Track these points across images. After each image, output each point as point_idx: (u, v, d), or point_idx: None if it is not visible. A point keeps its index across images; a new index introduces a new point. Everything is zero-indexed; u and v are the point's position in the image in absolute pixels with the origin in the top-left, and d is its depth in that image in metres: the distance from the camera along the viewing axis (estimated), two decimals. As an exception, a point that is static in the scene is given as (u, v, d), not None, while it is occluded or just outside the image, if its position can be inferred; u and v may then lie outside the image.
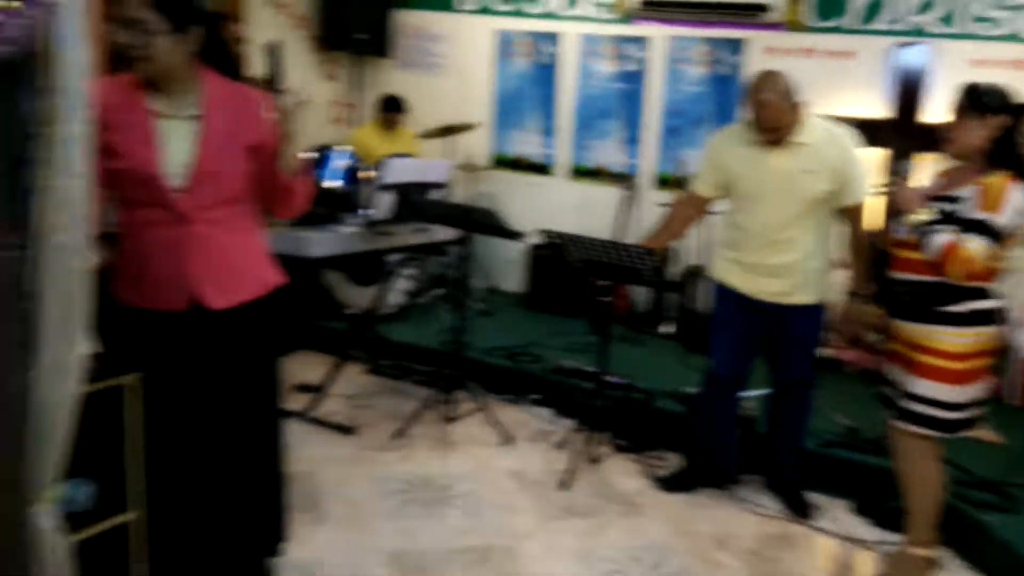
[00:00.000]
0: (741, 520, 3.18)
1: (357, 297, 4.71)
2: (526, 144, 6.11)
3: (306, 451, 3.44)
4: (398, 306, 5.03)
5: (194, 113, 2.09)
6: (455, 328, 3.89)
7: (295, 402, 3.89)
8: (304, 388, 4.05)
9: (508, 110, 6.14)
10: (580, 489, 3.36)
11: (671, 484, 3.40)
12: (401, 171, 3.65)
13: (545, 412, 4.14)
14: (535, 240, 5.32)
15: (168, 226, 2.07)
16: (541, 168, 6.08)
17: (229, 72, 2.20)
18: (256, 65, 3.41)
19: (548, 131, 6.01)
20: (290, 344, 4.81)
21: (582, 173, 5.94)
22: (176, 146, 2.06)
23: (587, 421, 3.65)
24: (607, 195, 5.66)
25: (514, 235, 3.62)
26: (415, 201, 3.58)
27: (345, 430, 3.70)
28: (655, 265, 3.35)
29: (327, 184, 4.40)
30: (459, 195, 5.92)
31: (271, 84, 2.15)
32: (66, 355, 1.52)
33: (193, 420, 2.16)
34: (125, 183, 2.04)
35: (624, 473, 3.53)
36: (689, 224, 3.38)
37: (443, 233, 4.13)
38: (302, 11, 5.99)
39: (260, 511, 2.37)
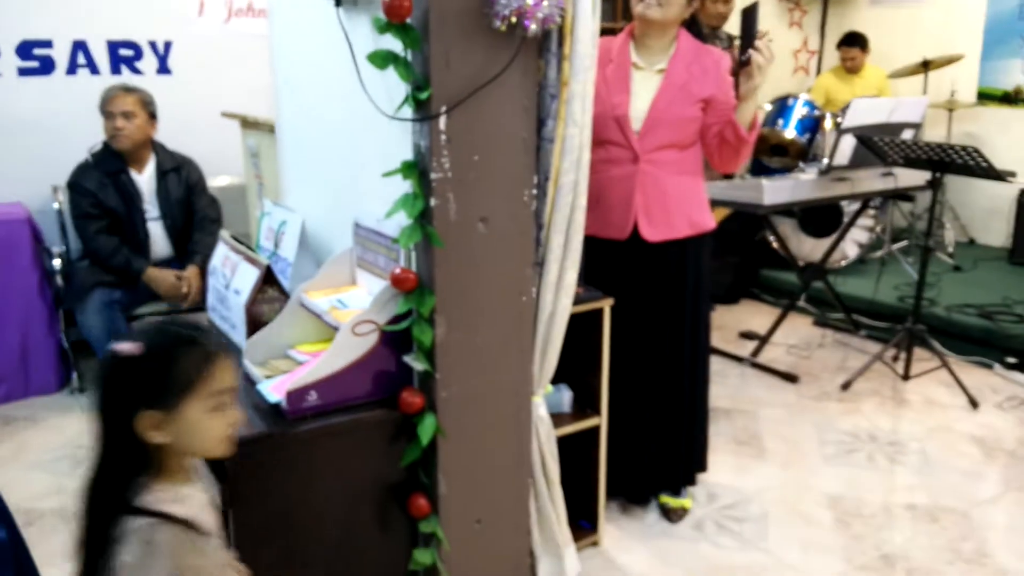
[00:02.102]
0: None
1: (812, 248, 4.64)
2: (1020, 74, 5.29)
3: (749, 393, 3.58)
4: (855, 258, 4.83)
5: (663, 67, 2.37)
6: (917, 281, 3.63)
7: (741, 348, 4.05)
8: (750, 335, 4.19)
9: (1000, 37, 5.37)
10: (1062, 465, 2.97)
11: None
12: (863, 112, 3.50)
13: (1023, 378, 3.68)
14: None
15: (624, 163, 2.38)
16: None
17: (695, 31, 2.44)
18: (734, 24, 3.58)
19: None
20: (738, 292, 4.97)
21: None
22: (642, 95, 2.36)
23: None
24: None
25: (998, 175, 3.23)
26: (877, 144, 3.41)
27: (789, 378, 3.74)
28: None
29: (787, 134, 4.42)
30: (939, 136, 5.41)
31: (745, 43, 2.30)
32: (565, 275, 1.88)
33: (630, 340, 2.46)
34: (599, 123, 2.27)
35: None
36: None
37: (910, 178, 3.85)
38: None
39: (682, 436, 2.59)
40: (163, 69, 3.95)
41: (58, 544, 2.42)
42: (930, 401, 3.52)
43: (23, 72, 3.65)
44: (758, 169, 4.78)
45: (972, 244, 5.49)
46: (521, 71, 1.68)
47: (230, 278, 2.08)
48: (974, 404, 3.45)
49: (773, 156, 4.59)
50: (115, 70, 3.84)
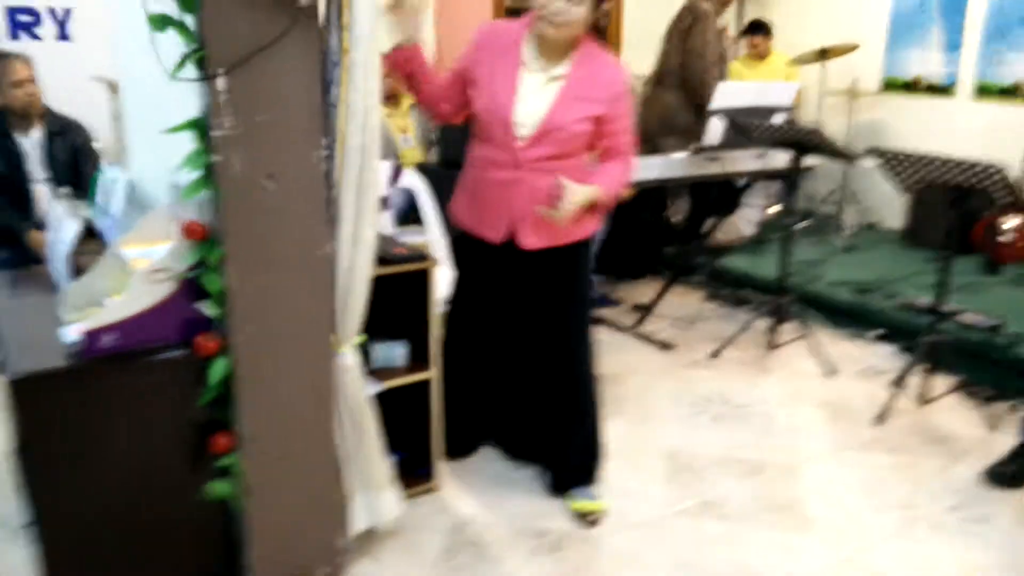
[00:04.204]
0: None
1: (705, 227, 4.81)
2: (923, 63, 5.48)
3: (623, 360, 3.75)
4: (749, 236, 5.01)
5: (560, 74, 2.27)
6: (784, 260, 3.80)
7: (627, 320, 4.22)
8: (639, 308, 4.35)
9: (904, 28, 5.55)
10: (897, 426, 3.16)
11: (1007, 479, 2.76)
12: (731, 95, 3.65)
13: (886, 350, 3.87)
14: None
15: (504, 167, 2.32)
16: (940, 89, 5.42)
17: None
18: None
19: (952, 46, 5.31)
20: (643, 268, 5.13)
21: (992, 92, 5.16)
22: (530, 100, 2.27)
23: (931, 361, 3.32)
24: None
25: (845, 156, 3.41)
26: (743, 125, 3.57)
27: (664, 346, 3.91)
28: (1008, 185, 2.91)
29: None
30: (840, 123, 5.59)
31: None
32: (360, 231, 2.01)
33: (507, 341, 2.56)
34: (481, 120, 2.33)
35: (959, 419, 3.21)
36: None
37: (782, 160, 4.02)
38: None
39: (570, 440, 2.59)
40: (62, 35, 4.01)
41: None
42: (791, 369, 3.70)
43: (-82, 37, 3.71)
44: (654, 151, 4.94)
45: (872, 228, 5.68)
46: (303, 39, 1.80)
47: (59, 231, 2.20)
48: (832, 372, 3.63)
49: (668, 137, 4.74)
50: (14, 35, 3.91)
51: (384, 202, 3.30)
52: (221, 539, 2.06)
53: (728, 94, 3.66)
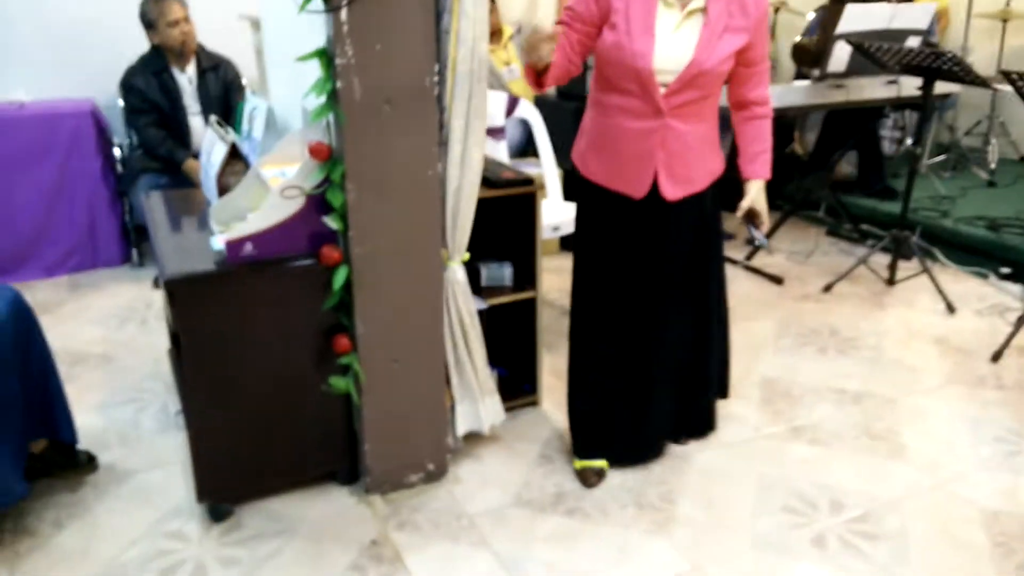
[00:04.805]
0: None
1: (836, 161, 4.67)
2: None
3: (731, 290, 3.73)
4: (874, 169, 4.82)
5: (699, 6, 2.04)
6: (908, 193, 3.67)
7: (739, 252, 4.21)
8: (752, 241, 4.33)
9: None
10: (1013, 365, 3.07)
11: None
12: (858, 18, 3.52)
13: (1015, 289, 3.71)
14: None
15: (643, 116, 2.11)
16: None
17: None
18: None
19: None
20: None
21: None
22: (671, 42, 2.04)
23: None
24: None
25: (978, 82, 3.23)
26: (866, 49, 3.44)
27: (775, 280, 3.90)
28: None
29: (802, 40, 4.42)
30: (990, 48, 5.21)
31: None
32: (469, 153, 2.16)
33: (646, 295, 2.30)
34: (614, 67, 2.09)
35: (1083, 363, 3.08)
36: None
37: (915, 87, 3.84)
38: None
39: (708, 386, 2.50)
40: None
41: (96, 379, 2.98)
42: (908, 305, 3.62)
43: (96, -18, 4.12)
44: (800, 78, 4.80)
45: (1022, 162, 5.32)
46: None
47: (209, 155, 2.48)
48: (951, 309, 3.53)
49: (814, 67, 4.60)
50: (169, -21, 4.25)
51: (500, 132, 3.45)
52: (343, 431, 2.33)
53: (855, 17, 3.53)
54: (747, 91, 2.22)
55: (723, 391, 2.63)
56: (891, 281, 3.79)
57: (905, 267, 3.84)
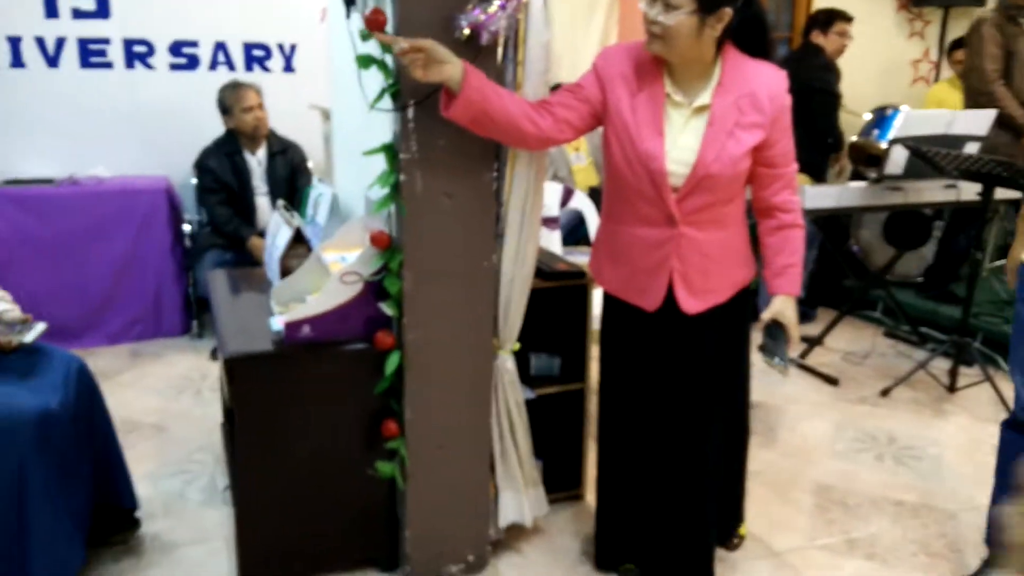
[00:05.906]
0: None
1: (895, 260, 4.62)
2: None
3: (782, 389, 3.70)
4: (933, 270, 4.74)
5: (704, 103, 1.92)
6: (969, 297, 3.60)
7: (798, 351, 4.14)
8: (807, 339, 4.26)
9: None
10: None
11: None
12: (915, 123, 3.53)
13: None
14: None
15: (656, 224, 2.00)
16: None
17: (758, 51, 1.96)
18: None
19: None
20: (816, 300, 5.00)
21: None
22: (680, 142, 1.94)
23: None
24: None
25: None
26: (924, 155, 3.44)
27: (830, 380, 3.82)
28: None
29: (883, 146, 4.43)
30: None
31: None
32: (523, 246, 2.21)
33: (656, 400, 2.16)
34: (622, 170, 1.99)
35: None
36: None
37: (974, 192, 3.81)
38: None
39: (716, 495, 2.24)
40: (288, 67, 4.58)
41: (148, 448, 3.04)
42: (970, 414, 3.50)
43: (174, 67, 4.38)
44: (855, 178, 4.80)
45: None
46: (482, 72, 2.03)
47: (275, 238, 2.57)
48: (1016, 421, 3.40)
49: (869, 167, 4.61)
50: (248, 67, 4.51)
51: (554, 222, 3.52)
52: (385, 516, 2.32)
53: (912, 122, 3.55)
54: (770, 195, 2.04)
55: (737, 515, 2.43)
56: (952, 388, 3.68)
57: (966, 373, 3.74)
